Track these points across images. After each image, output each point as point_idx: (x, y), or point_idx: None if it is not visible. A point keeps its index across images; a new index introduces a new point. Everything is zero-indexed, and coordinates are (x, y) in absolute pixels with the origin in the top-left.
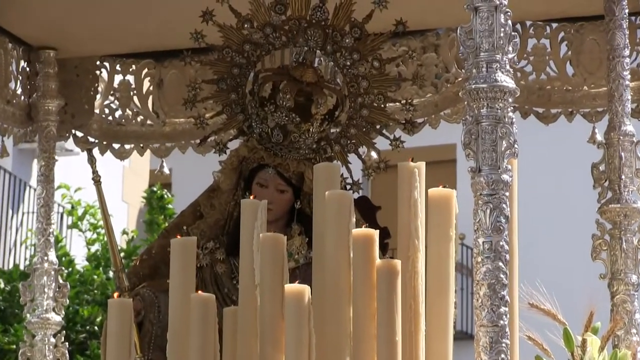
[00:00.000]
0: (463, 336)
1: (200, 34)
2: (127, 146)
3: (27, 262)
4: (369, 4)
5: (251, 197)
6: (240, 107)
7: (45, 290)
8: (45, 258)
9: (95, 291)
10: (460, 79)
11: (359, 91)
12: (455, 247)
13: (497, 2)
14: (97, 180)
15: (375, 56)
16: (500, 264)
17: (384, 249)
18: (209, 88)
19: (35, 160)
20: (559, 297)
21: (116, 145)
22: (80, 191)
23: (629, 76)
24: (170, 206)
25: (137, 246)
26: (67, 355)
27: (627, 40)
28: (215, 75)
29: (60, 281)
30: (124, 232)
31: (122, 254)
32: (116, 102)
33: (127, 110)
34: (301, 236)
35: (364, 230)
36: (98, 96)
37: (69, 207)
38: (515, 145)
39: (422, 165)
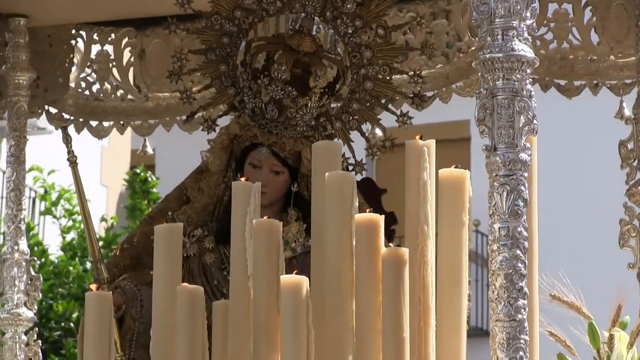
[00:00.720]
0: (478, 332)
1: None
2: (105, 124)
3: None
4: None
5: (243, 179)
6: (231, 80)
7: (16, 283)
8: (16, 247)
9: (71, 284)
10: (473, 48)
11: (362, 62)
12: (469, 234)
13: None
14: (72, 161)
15: (380, 23)
16: (518, 252)
17: (390, 236)
18: (196, 59)
19: (5, 140)
20: (584, 288)
21: (94, 123)
22: (54, 174)
23: None
24: (154, 190)
25: (117, 234)
26: (40, 354)
27: None
28: (203, 44)
29: (33, 273)
30: (103, 219)
31: (100, 243)
32: (93, 75)
33: (106, 84)
34: (298, 222)
35: (368, 215)
36: (73, 68)
37: (41, 191)
38: (535, 121)
39: (432, 143)
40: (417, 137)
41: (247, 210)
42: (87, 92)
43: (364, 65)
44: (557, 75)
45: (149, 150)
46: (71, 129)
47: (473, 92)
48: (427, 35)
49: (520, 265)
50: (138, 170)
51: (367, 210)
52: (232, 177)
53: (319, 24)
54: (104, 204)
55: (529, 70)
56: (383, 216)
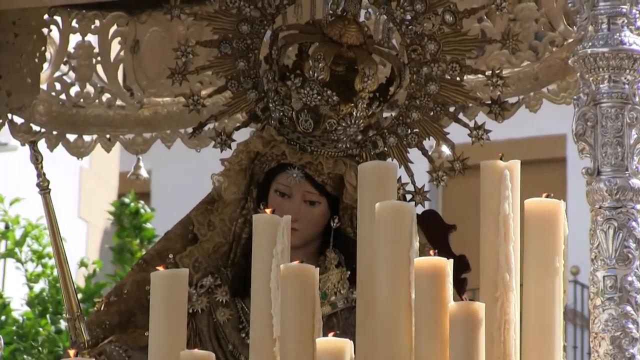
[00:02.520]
0: None
1: None
2: (87, 138)
3: None
4: None
5: (268, 210)
6: (252, 81)
7: None
8: None
9: (41, 349)
10: (570, 40)
11: (425, 58)
12: (564, 285)
13: None
14: (43, 187)
15: (448, 7)
16: (629, 308)
17: (460, 287)
18: (206, 53)
19: None
20: None
21: (72, 137)
22: (19, 203)
23: None
24: (148, 225)
25: (101, 284)
26: None
27: None
28: (216, 34)
29: None
30: (82, 264)
31: (79, 296)
32: (72, 73)
33: (88, 85)
34: (340, 269)
35: (432, 259)
36: (46, 65)
37: (1, 226)
38: None
39: (515, 165)
40: (498, 156)
41: (272, 252)
42: (63, 97)
43: (427, 62)
44: None
45: (143, 173)
46: (42, 145)
47: (570, 98)
48: (509, 23)
49: (630, 326)
50: (128, 200)
51: (431, 252)
52: (252, 208)
53: (367, 8)
54: (83, 244)
55: None
56: (451, 260)
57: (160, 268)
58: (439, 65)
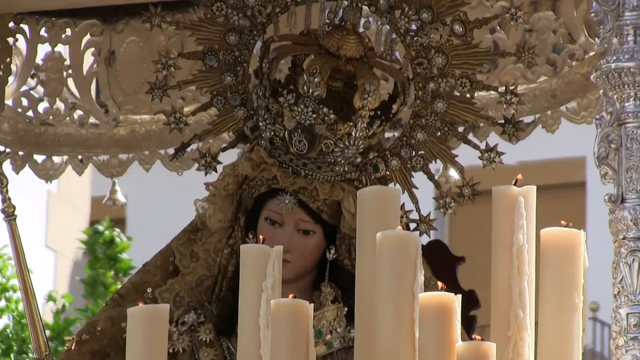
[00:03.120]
0: None
1: None
2: (56, 159)
3: None
4: None
5: (258, 239)
6: (240, 98)
7: None
8: None
9: None
10: (592, 53)
11: (431, 72)
12: (584, 323)
13: None
14: (9, 214)
15: (457, 16)
16: None
17: (469, 325)
18: (189, 66)
19: None
20: None
21: (39, 158)
22: None
23: None
24: (124, 256)
25: (70, 320)
26: None
27: None
28: (201, 45)
29: None
30: (51, 298)
31: (47, 333)
32: (40, 88)
33: (58, 101)
34: (336, 305)
35: (438, 295)
36: (11, 78)
37: None
38: None
39: (531, 191)
40: (513, 181)
41: (261, 286)
42: (30, 113)
43: (433, 78)
44: None
45: (121, 198)
46: (7, 167)
47: (591, 117)
48: (525, 34)
49: None
50: (101, 227)
51: (438, 287)
52: (240, 237)
53: (368, 17)
54: (51, 276)
55: None
56: (459, 296)
57: (139, 303)
58: (447, 81)
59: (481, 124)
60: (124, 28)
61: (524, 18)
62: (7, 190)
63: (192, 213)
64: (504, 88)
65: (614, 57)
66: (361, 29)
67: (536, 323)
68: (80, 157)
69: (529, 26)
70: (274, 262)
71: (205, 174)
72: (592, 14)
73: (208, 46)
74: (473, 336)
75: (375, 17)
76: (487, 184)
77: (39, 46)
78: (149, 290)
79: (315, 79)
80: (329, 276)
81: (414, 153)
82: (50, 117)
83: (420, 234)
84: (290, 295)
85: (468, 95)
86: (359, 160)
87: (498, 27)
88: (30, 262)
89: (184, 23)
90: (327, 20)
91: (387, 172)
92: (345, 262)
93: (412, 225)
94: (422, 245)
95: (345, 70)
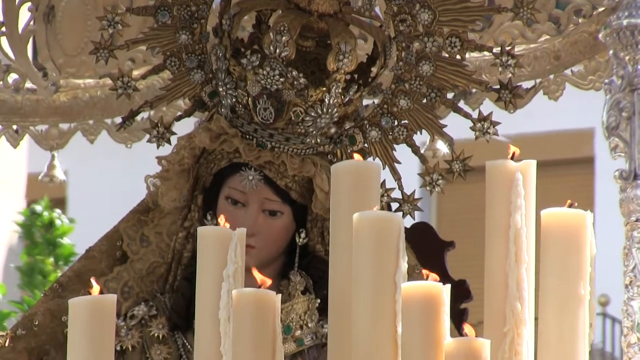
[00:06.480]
0: None
1: None
2: None
3: None
4: None
5: (217, 221)
6: (197, 59)
7: None
8: None
9: None
10: (601, 9)
11: (416, 30)
12: (590, 318)
13: None
14: None
15: None
16: None
17: (459, 319)
18: (139, 23)
19: None
20: None
21: None
22: None
23: None
24: (65, 240)
25: (4, 313)
26: None
27: None
28: None
29: None
30: None
31: None
32: None
33: None
34: (307, 296)
35: (424, 284)
36: None
37: None
38: None
39: (530, 166)
40: (508, 155)
41: (222, 274)
42: None
43: (418, 36)
44: None
45: (58, 174)
46: None
47: (600, 82)
48: None
49: None
50: (39, 208)
51: (424, 275)
52: (197, 219)
53: None
54: None
55: None
56: (448, 286)
57: (82, 294)
58: (434, 40)
59: (473, 90)
60: None
61: None
62: None
63: (142, 191)
64: (499, 48)
65: (626, 13)
66: None
67: (536, 318)
68: (15, 127)
69: None
70: (236, 247)
71: (158, 147)
72: None
73: (160, 0)
74: (464, 331)
75: None
76: (480, 158)
77: None
78: (93, 279)
79: (283, 38)
80: (299, 263)
81: (396, 123)
82: None
83: (404, 216)
84: (254, 286)
85: (458, 57)
86: (333, 130)
87: None
88: None
89: None
90: None
91: (366, 145)
92: (318, 247)
93: (394, 206)
94: (406, 228)
95: (317, 28)
